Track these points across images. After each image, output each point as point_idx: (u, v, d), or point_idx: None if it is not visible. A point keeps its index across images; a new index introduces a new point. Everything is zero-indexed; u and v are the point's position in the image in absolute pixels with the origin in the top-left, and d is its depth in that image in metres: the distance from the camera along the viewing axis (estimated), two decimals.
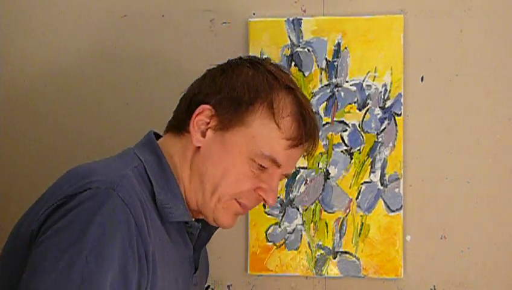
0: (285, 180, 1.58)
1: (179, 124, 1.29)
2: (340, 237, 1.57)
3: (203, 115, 1.25)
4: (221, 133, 1.25)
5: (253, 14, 1.60)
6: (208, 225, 1.32)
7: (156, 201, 1.20)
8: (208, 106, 1.25)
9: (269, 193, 1.27)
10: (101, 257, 1.06)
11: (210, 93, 1.26)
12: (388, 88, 1.56)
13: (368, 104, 1.56)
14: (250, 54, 1.58)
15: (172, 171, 1.25)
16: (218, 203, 1.26)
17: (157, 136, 1.32)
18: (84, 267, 1.05)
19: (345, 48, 1.57)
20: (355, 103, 1.57)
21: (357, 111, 1.57)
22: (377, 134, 1.56)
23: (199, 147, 1.26)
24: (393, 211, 1.56)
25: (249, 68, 1.28)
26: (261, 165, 1.25)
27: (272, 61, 1.34)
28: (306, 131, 1.27)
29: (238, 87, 1.25)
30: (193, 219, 1.30)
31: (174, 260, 1.25)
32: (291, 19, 1.58)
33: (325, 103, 1.58)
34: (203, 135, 1.25)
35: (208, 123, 1.25)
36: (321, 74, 1.58)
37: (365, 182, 1.57)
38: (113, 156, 1.27)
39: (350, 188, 1.57)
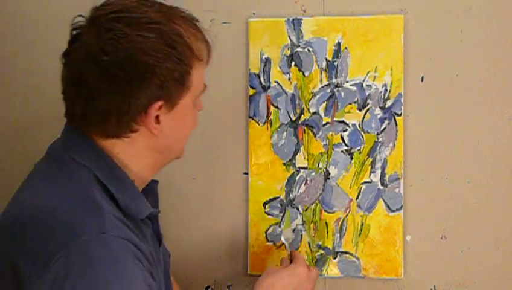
0: (284, 181, 1.59)
1: (120, 129, 1.21)
2: (340, 237, 1.57)
3: (154, 112, 1.20)
4: (172, 110, 1.22)
5: (253, 14, 1.60)
6: (151, 191, 1.32)
7: (114, 201, 1.18)
8: (158, 104, 1.19)
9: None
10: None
11: (153, 91, 1.19)
12: (388, 88, 1.56)
13: (368, 104, 1.56)
14: (250, 54, 1.59)
15: (121, 169, 1.21)
16: None
17: (78, 134, 1.23)
18: None
19: (345, 48, 1.57)
20: (355, 103, 1.57)
21: (357, 111, 1.57)
22: (377, 134, 1.56)
23: (153, 133, 1.22)
24: (393, 211, 1.56)
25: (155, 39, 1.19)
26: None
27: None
28: (209, 45, 1.26)
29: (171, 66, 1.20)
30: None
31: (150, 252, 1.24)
32: (291, 19, 1.58)
33: (325, 103, 1.58)
34: (158, 122, 1.21)
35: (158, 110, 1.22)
36: (321, 73, 1.58)
37: (365, 182, 1.57)
38: (49, 172, 1.20)
39: (350, 188, 1.57)
